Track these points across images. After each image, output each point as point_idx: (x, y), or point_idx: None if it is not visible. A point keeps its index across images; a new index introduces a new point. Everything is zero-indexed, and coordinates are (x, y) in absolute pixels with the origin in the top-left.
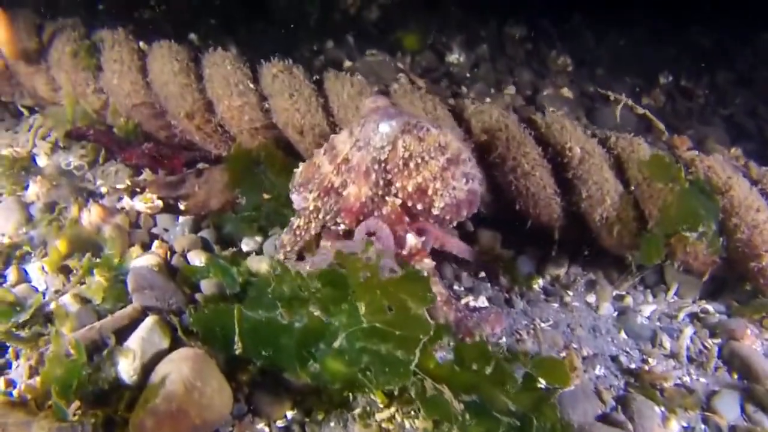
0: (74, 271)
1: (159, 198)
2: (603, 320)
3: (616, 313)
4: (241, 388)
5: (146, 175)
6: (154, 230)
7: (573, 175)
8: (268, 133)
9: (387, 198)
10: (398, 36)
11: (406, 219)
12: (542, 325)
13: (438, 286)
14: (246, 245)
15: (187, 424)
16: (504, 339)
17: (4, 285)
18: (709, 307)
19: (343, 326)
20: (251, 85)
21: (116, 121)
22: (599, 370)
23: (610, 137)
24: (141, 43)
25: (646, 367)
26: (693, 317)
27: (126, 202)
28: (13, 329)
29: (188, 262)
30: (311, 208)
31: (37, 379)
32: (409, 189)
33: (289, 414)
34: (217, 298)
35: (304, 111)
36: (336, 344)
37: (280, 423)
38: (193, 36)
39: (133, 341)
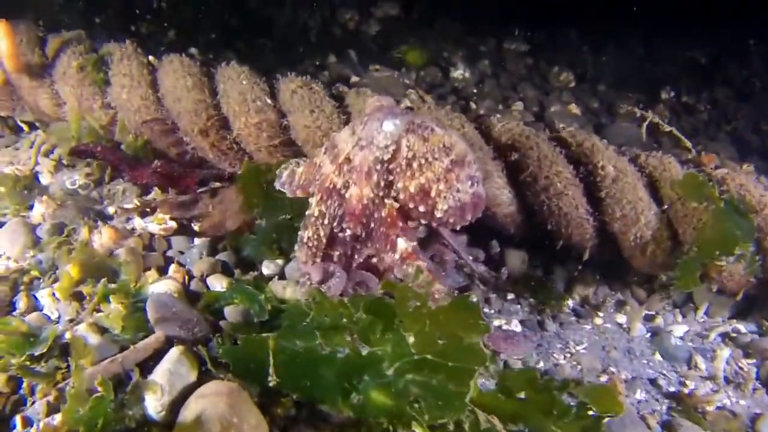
0: (88, 298)
1: (172, 219)
2: (636, 342)
3: (649, 334)
4: (275, 422)
5: (156, 194)
6: (169, 253)
7: (606, 195)
8: (287, 150)
9: (386, 200)
10: (401, 51)
11: (400, 223)
12: (578, 348)
13: (437, 284)
14: (267, 268)
15: None
16: (542, 364)
17: (14, 313)
18: (741, 327)
19: (389, 357)
20: (269, 101)
21: (124, 137)
22: (640, 395)
23: (640, 155)
24: (150, 57)
25: (686, 390)
26: (724, 337)
27: (137, 223)
28: (28, 362)
29: (208, 287)
30: (316, 213)
31: (57, 417)
32: (412, 190)
33: None
34: (244, 327)
35: (326, 128)
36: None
37: None
38: (193, 50)
39: (160, 375)
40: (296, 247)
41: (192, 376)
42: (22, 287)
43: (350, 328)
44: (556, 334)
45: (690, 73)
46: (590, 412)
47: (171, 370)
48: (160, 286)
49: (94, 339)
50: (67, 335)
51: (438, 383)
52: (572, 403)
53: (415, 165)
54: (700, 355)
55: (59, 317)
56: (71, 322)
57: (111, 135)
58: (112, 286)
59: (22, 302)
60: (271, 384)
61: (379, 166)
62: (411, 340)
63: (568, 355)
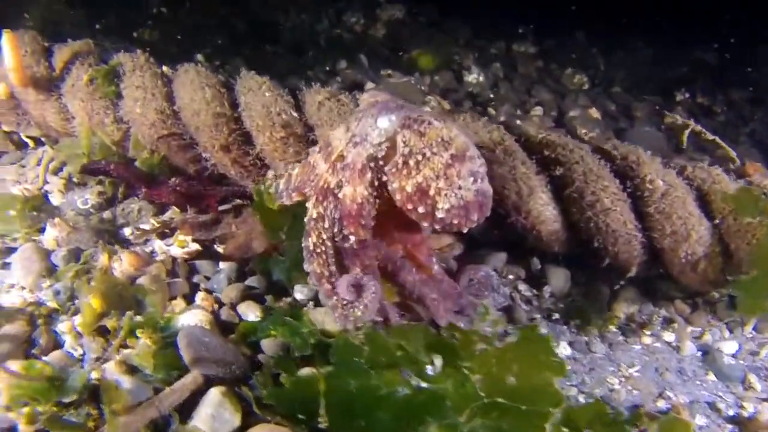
0: (112, 333)
1: (194, 240)
2: (687, 361)
3: (699, 353)
4: None
5: (173, 213)
6: (194, 279)
7: (655, 210)
8: None
9: (377, 200)
10: (413, 56)
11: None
12: (630, 371)
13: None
14: (300, 293)
15: None
16: (597, 390)
17: (34, 350)
18: None
19: (451, 396)
20: (294, 114)
21: (139, 153)
22: (701, 420)
23: (686, 167)
24: (164, 68)
25: (745, 414)
26: None
27: (158, 245)
28: (56, 409)
29: (240, 317)
30: (314, 216)
31: None
32: (408, 190)
33: None
34: (285, 362)
35: None
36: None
37: None
38: (199, 56)
39: (201, 420)
40: (305, 262)
41: (236, 420)
42: (40, 321)
43: (408, 366)
44: (605, 356)
45: (702, 75)
46: None
47: (213, 414)
48: (189, 317)
49: (125, 380)
50: (94, 375)
51: (509, 427)
52: None
53: (411, 162)
54: (754, 374)
55: (83, 355)
56: (98, 361)
57: (124, 151)
58: (138, 319)
59: (42, 339)
60: (321, 426)
61: (372, 164)
62: (479, 383)
63: (623, 379)
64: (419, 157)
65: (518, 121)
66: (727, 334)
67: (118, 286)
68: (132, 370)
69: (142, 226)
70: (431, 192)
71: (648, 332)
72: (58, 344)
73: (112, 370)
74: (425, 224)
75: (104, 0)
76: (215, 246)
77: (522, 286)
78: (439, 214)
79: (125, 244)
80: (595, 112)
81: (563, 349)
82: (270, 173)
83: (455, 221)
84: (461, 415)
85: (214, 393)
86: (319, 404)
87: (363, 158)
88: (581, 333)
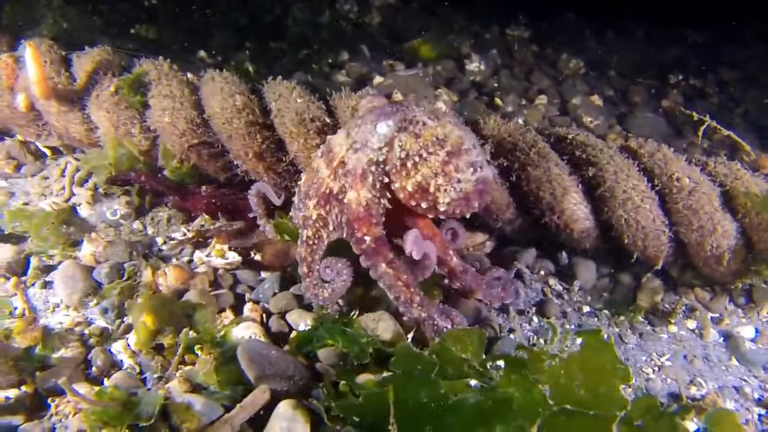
0: (168, 349)
1: (231, 249)
2: (711, 348)
3: (722, 339)
4: None
5: (204, 220)
6: (238, 289)
7: (683, 206)
8: None
9: (381, 200)
10: (414, 45)
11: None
12: (662, 360)
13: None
14: (342, 299)
15: None
16: (635, 380)
17: (91, 371)
18: None
19: (520, 404)
20: (328, 120)
21: (168, 163)
22: (731, 405)
23: (708, 163)
24: (189, 75)
25: None
26: None
27: (197, 257)
28: None
29: (290, 326)
30: (314, 216)
31: None
32: (409, 189)
33: None
34: (344, 372)
35: None
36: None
37: None
38: (202, 53)
39: None
40: (299, 244)
41: None
42: (92, 341)
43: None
44: (637, 345)
45: (693, 56)
46: None
47: (287, 428)
48: (242, 330)
49: (195, 401)
50: (159, 392)
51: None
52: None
53: (409, 164)
54: None
55: (141, 373)
56: (160, 380)
57: (152, 160)
58: (194, 335)
59: (99, 360)
60: None
61: (374, 168)
62: (548, 392)
63: (657, 368)
64: (416, 159)
65: (525, 111)
66: (744, 319)
67: (167, 302)
68: (195, 387)
69: (174, 236)
70: (431, 189)
71: (673, 321)
72: (114, 364)
73: (176, 388)
74: (430, 216)
75: None
76: (252, 254)
77: (552, 281)
78: (441, 207)
79: (160, 254)
80: (597, 99)
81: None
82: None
83: (457, 211)
84: (528, 419)
85: (285, 407)
86: (387, 413)
87: (363, 163)
88: (612, 324)
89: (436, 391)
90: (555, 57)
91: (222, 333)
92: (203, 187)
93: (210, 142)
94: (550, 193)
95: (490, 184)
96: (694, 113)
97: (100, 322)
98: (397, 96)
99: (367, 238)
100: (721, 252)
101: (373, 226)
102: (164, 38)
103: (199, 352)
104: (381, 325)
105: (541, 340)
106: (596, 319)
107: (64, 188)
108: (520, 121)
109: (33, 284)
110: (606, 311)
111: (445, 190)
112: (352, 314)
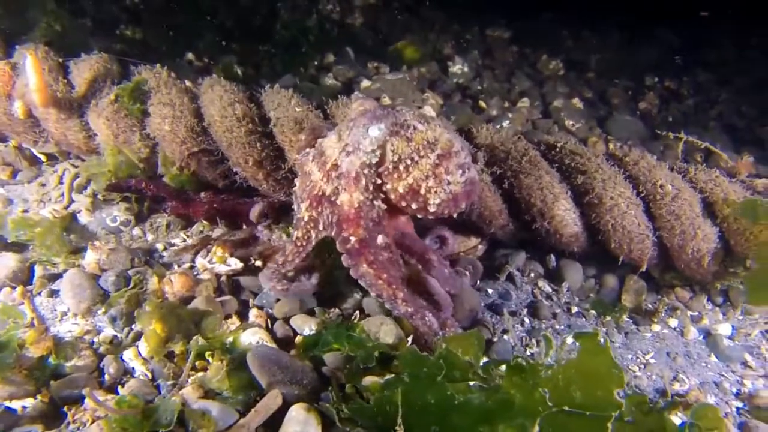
0: (179, 356)
1: (232, 256)
2: (692, 345)
3: (702, 336)
4: None
5: (201, 226)
6: (242, 295)
7: (666, 212)
8: None
9: (375, 202)
10: (398, 47)
11: (384, 224)
12: (647, 358)
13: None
14: (345, 303)
15: None
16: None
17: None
18: None
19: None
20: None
21: (168, 170)
22: (711, 399)
23: (689, 170)
24: (187, 83)
25: (746, 390)
26: (765, 333)
27: (200, 263)
28: None
29: (295, 331)
30: (306, 218)
31: None
32: (401, 191)
33: None
34: (351, 374)
35: None
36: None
37: None
38: (190, 55)
39: None
40: (288, 241)
41: None
42: (102, 349)
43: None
44: (623, 344)
45: (668, 57)
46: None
47: (301, 431)
48: (249, 336)
49: (211, 407)
50: (174, 399)
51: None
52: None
53: (401, 167)
54: (748, 353)
55: (154, 380)
56: (174, 386)
57: (151, 167)
58: (203, 342)
59: (111, 367)
60: None
61: (366, 170)
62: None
63: (642, 366)
64: (408, 162)
65: (510, 114)
66: (720, 316)
67: (175, 310)
68: (208, 393)
69: (174, 242)
70: (422, 191)
71: (656, 320)
72: (126, 371)
73: (190, 394)
74: (419, 216)
75: None
76: (252, 260)
77: (541, 282)
78: (431, 209)
79: (161, 261)
80: (577, 102)
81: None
82: None
83: (446, 211)
84: (529, 418)
85: (298, 410)
86: (396, 414)
87: (357, 166)
88: (599, 324)
89: (442, 392)
90: (534, 58)
91: (231, 339)
92: (202, 194)
93: (210, 149)
94: (541, 200)
95: (477, 185)
96: (671, 133)
97: (109, 330)
98: (385, 100)
99: (353, 239)
100: (702, 255)
101: (360, 228)
102: (150, 39)
103: (210, 359)
104: (383, 329)
105: (533, 340)
106: (584, 319)
107: (63, 195)
108: (505, 123)
109: (39, 293)
110: (593, 311)
111: (436, 191)
112: (353, 318)
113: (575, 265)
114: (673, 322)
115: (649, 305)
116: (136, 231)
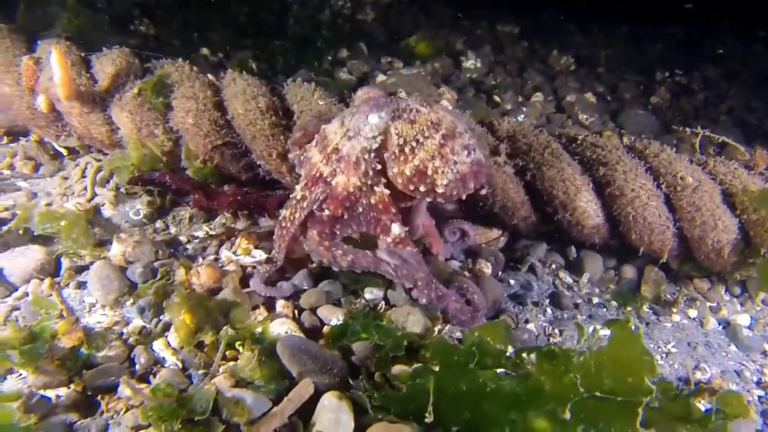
0: (209, 346)
1: (256, 247)
2: (712, 335)
3: (721, 327)
4: None
5: (223, 218)
6: None
7: (687, 203)
8: None
9: (375, 188)
10: (410, 42)
11: (393, 209)
12: (668, 347)
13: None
14: (369, 293)
15: None
16: None
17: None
18: None
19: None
20: None
21: (191, 163)
22: (733, 387)
23: (708, 162)
24: (209, 76)
25: (766, 379)
26: None
27: (225, 255)
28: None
29: (322, 321)
30: (298, 197)
31: None
32: (408, 173)
33: None
34: (379, 363)
35: None
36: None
37: None
38: (204, 50)
39: (324, 425)
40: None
41: (352, 422)
42: (131, 339)
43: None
44: (645, 334)
45: (677, 52)
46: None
47: (335, 419)
48: (277, 326)
49: (246, 395)
50: (206, 388)
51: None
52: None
53: (407, 149)
54: (766, 342)
55: (185, 370)
56: (206, 376)
57: (174, 160)
58: (232, 332)
59: (142, 358)
60: (427, 420)
61: (367, 156)
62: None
63: (664, 356)
64: (413, 144)
65: (524, 108)
66: (738, 307)
67: (203, 301)
68: (239, 382)
69: (197, 234)
70: (429, 172)
71: (675, 310)
72: (156, 361)
73: (222, 383)
74: (428, 199)
75: None
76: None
77: (562, 273)
78: (439, 189)
79: (185, 253)
80: (591, 97)
81: (607, 332)
82: None
83: (454, 192)
84: (560, 404)
85: (331, 399)
86: (427, 402)
87: (357, 150)
88: (620, 314)
89: (475, 380)
90: (544, 53)
91: (260, 329)
92: (226, 186)
93: (233, 142)
94: (563, 191)
95: (485, 167)
96: (687, 129)
97: (138, 321)
98: (401, 95)
99: (327, 211)
100: (722, 246)
101: (339, 208)
102: (164, 35)
103: (240, 349)
104: (411, 319)
105: (556, 330)
106: (605, 309)
107: (86, 188)
108: (520, 117)
109: (67, 285)
110: (614, 302)
111: (443, 171)
112: (379, 308)
113: (595, 257)
114: (693, 313)
115: (668, 296)
116: (159, 224)
